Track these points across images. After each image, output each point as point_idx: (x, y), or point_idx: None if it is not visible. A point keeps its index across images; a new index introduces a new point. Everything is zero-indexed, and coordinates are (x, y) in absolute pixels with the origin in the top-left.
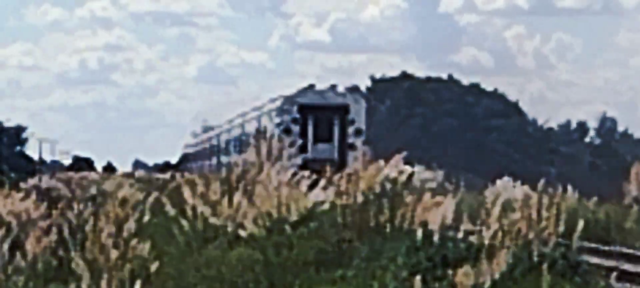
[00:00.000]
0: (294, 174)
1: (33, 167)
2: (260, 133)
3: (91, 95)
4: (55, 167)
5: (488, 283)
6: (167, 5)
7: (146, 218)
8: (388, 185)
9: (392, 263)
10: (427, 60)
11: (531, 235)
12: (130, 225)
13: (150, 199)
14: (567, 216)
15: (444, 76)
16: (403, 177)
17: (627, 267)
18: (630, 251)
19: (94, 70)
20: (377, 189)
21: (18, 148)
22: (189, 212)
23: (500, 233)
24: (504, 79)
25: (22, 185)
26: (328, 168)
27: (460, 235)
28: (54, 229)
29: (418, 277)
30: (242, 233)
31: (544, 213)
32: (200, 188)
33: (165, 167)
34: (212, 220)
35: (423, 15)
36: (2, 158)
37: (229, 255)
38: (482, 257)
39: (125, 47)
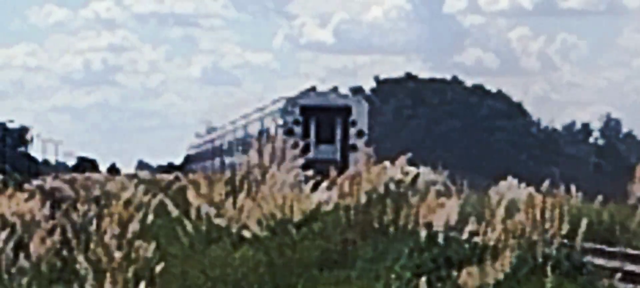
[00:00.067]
0: (298, 175)
1: (37, 168)
2: (263, 134)
3: (95, 96)
4: (59, 168)
5: (492, 284)
6: (171, 6)
7: (150, 219)
8: (392, 186)
9: (396, 264)
10: (431, 61)
11: (535, 236)
12: (135, 226)
13: (154, 200)
14: (571, 217)
15: (448, 77)
16: (408, 179)
17: (632, 268)
18: (635, 252)
19: (98, 71)
20: (381, 190)
21: (22, 149)
22: (193, 213)
23: (504, 234)
24: (508, 79)
25: (26, 186)
26: (332, 169)
27: (464, 236)
28: (58, 230)
29: (423, 279)
30: (246, 234)
31: (548, 214)
32: (204, 189)
33: (169, 168)
34: (216, 221)
35: (427, 16)
36: (6, 159)
37: (233, 256)
38: (487, 257)
39: (129, 48)
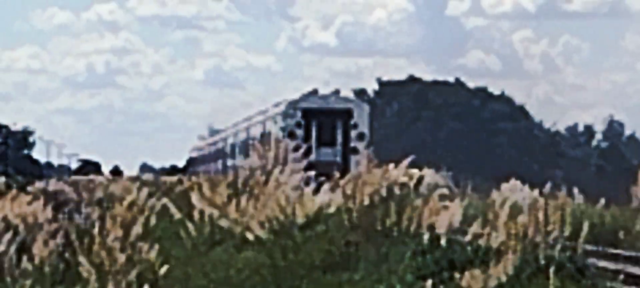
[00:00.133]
0: (300, 178)
1: (40, 170)
2: (265, 137)
3: (98, 98)
4: (62, 170)
5: (495, 286)
6: (174, 9)
7: (153, 221)
8: (396, 189)
9: (399, 267)
10: (434, 63)
11: (538, 239)
12: (138, 228)
13: (158, 202)
14: (574, 219)
15: (451, 79)
16: (412, 182)
17: (634, 270)
18: (637, 254)
19: (101, 73)
20: (384, 192)
21: (25, 151)
22: (196, 216)
23: (507, 237)
24: (511, 82)
25: (29, 188)
26: (334, 172)
27: (467, 238)
28: (61, 233)
29: (429, 282)
30: (249, 236)
31: (551, 217)
32: (207, 192)
33: (172, 170)
34: (219, 223)
35: (430, 18)
36: (9, 162)
37: (236, 258)
38: (490, 260)
39: (132, 51)
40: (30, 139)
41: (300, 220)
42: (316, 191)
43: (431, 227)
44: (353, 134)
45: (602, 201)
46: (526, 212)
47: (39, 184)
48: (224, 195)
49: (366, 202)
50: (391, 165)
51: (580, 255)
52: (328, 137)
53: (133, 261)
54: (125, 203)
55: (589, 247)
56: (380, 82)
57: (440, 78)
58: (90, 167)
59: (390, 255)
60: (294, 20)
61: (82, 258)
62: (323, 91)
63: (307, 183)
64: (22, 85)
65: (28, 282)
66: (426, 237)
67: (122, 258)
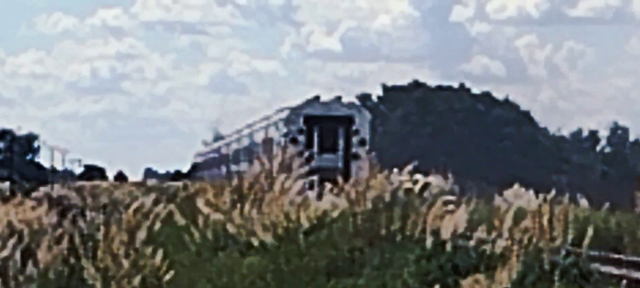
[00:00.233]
0: (304, 184)
1: (45, 176)
2: (268, 143)
3: (102, 103)
4: (66, 175)
5: None
6: (179, 14)
7: (157, 227)
8: (401, 194)
9: (404, 272)
10: (439, 69)
11: (542, 244)
12: (142, 234)
13: (162, 208)
14: (578, 225)
15: (456, 85)
16: (417, 187)
17: (638, 275)
18: None
19: (106, 78)
20: (388, 198)
21: (30, 156)
22: (201, 221)
23: (511, 242)
24: (516, 87)
25: (34, 193)
26: (338, 178)
27: (471, 243)
28: (66, 238)
29: (437, 286)
30: (254, 241)
31: (556, 222)
32: (211, 198)
33: (177, 175)
34: (224, 228)
35: (434, 24)
36: (14, 167)
37: (241, 263)
38: (494, 265)
39: (136, 56)
40: (35, 144)
41: (304, 225)
42: (319, 197)
43: (435, 233)
44: (355, 139)
45: (606, 206)
46: (530, 218)
47: (44, 189)
48: (228, 201)
49: (370, 207)
50: (395, 170)
51: (585, 261)
52: (330, 143)
53: (137, 267)
54: (131, 209)
55: (593, 253)
56: (385, 88)
57: (445, 83)
58: (94, 172)
59: (394, 261)
60: (298, 26)
61: (86, 264)
62: (326, 97)
63: (311, 187)
64: (26, 90)
65: (33, 287)
66: (430, 242)
67: (126, 263)
